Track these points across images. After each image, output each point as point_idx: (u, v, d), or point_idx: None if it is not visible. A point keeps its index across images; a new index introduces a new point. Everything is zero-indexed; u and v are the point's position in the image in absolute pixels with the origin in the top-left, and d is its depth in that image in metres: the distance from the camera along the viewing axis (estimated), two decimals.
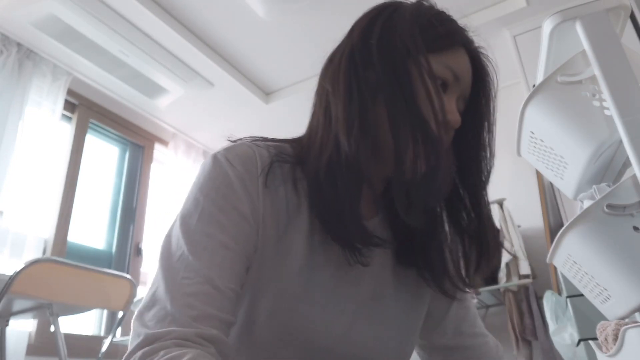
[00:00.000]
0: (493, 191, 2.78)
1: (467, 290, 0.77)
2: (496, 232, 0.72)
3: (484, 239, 0.71)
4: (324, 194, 0.63)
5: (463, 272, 0.73)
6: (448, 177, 0.64)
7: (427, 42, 0.65)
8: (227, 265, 0.57)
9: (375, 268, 0.70)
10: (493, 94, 0.75)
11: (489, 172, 0.75)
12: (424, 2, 0.71)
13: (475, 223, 0.71)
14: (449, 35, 0.68)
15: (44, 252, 2.44)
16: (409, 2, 0.71)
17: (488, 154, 0.74)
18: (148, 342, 0.50)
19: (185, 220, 0.61)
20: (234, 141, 0.70)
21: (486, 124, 0.73)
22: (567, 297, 1.51)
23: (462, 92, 0.69)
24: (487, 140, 0.74)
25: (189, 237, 0.59)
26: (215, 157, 0.65)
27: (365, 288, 0.70)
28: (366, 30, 0.69)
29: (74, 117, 2.82)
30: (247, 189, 0.62)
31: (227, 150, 0.67)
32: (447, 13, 0.73)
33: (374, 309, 0.70)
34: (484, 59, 0.74)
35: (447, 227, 0.73)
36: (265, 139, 0.73)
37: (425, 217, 0.66)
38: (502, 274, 2.28)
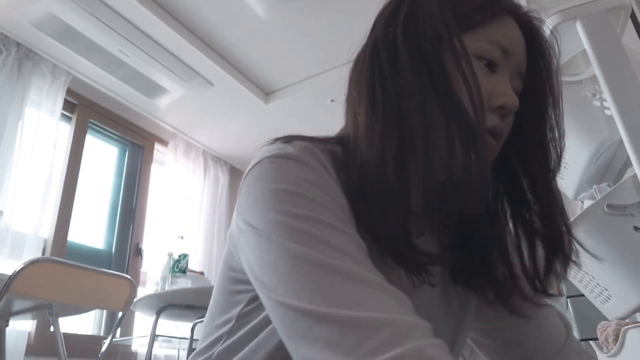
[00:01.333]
0: None
1: (547, 296, 0.63)
2: (569, 225, 0.59)
3: (559, 238, 0.59)
4: (369, 210, 0.52)
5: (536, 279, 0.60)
6: (488, 178, 0.52)
7: (462, 19, 0.55)
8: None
9: (427, 289, 0.59)
10: (555, 63, 0.61)
11: (559, 156, 0.61)
12: None
13: (548, 221, 0.59)
14: (490, 3, 0.57)
15: (44, 252, 2.44)
16: None
17: (557, 134, 0.60)
18: None
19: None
20: (284, 141, 0.56)
21: (550, 99, 0.60)
22: (567, 297, 1.51)
23: (517, 67, 0.58)
24: (553, 117, 0.60)
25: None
26: (288, 157, 0.51)
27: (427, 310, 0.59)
28: (389, 21, 0.58)
29: (74, 117, 2.82)
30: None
31: (299, 150, 0.52)
32: None
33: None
34: (538, 25, 0.61)
35: (511, 229, 0.63)
36: (312, 139, 0.58)
37: (463, 229, 0.59)
38: None
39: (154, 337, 2.16)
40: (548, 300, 0.66)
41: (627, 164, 1.02)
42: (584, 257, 0.90)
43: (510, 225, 0.62)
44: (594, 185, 0.99)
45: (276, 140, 0.56)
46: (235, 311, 0.57)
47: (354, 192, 0.52)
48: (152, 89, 2.85)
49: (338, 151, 0.57)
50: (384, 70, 0.56)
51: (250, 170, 0.53)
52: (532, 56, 0.60)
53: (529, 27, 0.60)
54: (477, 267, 0.62)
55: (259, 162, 0.52)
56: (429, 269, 0.54)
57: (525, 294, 0.61)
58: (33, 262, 1.60)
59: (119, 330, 2.11)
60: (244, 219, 0.50)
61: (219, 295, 0.61)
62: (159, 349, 2.73)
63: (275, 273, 0.44)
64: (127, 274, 2.31)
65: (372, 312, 0.39)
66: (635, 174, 0.86)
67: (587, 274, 0.95)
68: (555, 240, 0.59)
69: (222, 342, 0.58)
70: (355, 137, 0.56)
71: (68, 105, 2.74)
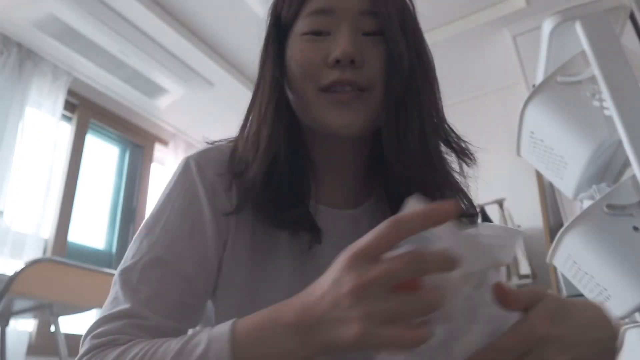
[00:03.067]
0: (493, 191, 2.78)
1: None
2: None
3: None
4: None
5: None
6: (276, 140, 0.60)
7: (302, 3, 0.61)
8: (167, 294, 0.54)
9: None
10: None
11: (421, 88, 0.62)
12: None
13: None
14: None
15: (44, 252, 2.44)
16: None
17: (407, 61, 0.60)
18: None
19: (147, 225, 0.59)
20: (211, 143, 0.68)
21: (397, 29, 0.60)
22: (567, 297, 1.51)
23: (353, 12, 0.60)
24: (404, 45, 0.60)
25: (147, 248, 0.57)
26: (186, 162, 0.62)
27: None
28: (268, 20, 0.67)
29: (74, 117, 2.82)
30: (215, 200, 0.59)
31: (199, 153, 0.64)
32: None
33: None
34: None
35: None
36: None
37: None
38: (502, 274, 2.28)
39: None
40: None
41: (627, 164, 1.02)
42: (583, 257, 0.91)
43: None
44: (594, 186, 0.99)
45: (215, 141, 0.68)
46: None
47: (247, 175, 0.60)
48: (152, 89, 2.85)
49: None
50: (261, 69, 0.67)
51: None
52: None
53: None
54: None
55: None
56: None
57: None
58: (34, 262, 1.61)
59: None
60: None
61: None
62: None
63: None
64: None
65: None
66: (634, 174, 0.87)
67: (586, 273, 0.95)
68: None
69: None
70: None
71: (69, 106, 2.74)
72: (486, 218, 2.48)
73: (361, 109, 0.59)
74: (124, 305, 0.52)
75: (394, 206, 0.60)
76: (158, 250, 0.56)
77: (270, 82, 0.63)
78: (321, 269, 0.46)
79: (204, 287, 0.58)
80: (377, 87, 0.59)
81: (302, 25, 0.61)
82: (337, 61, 0.57)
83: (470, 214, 0.67)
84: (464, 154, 0.67)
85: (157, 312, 0.53)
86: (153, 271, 0.55)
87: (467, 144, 0.68)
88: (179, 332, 0.53)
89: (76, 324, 2.50)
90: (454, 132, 0.68)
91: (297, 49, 0.61)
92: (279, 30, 0.64)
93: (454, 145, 0.67)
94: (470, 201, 0.68)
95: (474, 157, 0.68)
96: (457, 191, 0.66)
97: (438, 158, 0.64)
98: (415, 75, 0.61)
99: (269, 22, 0.66)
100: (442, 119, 0.67)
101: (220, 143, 0.68)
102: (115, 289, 0.56)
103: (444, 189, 0.64)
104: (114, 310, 0.52)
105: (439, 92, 0.68)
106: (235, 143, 0.65)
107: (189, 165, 0.62)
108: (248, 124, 0.66)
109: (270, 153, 0.59)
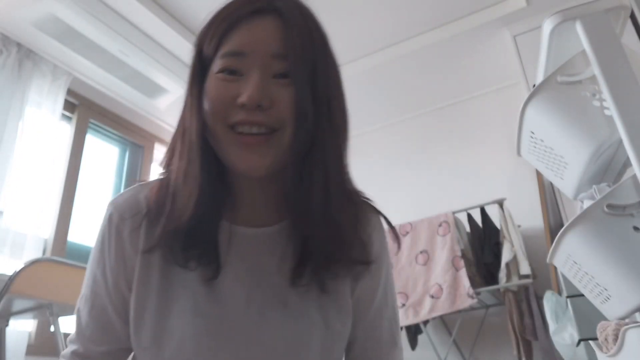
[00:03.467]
0: (493, 191, 2.79)
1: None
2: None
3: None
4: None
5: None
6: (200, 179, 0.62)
7: (219, 43, 0.64)
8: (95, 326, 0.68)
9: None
10: (302, 30, 0.63)
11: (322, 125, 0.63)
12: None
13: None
14: (222, 22, 0.66)
15: (44, 252, 2.44)
16: None
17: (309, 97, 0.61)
18: None
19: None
20: (142, 181, 0.74)
21: (306, 74, 0.61)
22: (567, 297, 1.51)
23: (266, 55, 0.61)
24: (309, 92, 0.61)
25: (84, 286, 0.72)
26: (106, 207, 0.70)
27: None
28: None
29: (74, 117, 2.82)
30: (124, 244, 0.66)
31: (116, 197, 0.71)
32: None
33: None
34: (278, 5, 0.65)
35: None
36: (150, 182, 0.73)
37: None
38: (502, 274, 2.28)
39: None
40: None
41: (627, 164, 1.02)
42: (584, 257, 0.91)
43: None
44: (594, 186, 0.99)
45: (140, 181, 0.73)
46: None
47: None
48: (152, 89, 2.85)
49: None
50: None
51: None
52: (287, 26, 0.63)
53: (272, 12, 0.64)
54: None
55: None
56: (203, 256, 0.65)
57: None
58: (33, 262, 1.60)
59: None
60: None
61: None
62: None
63: None
64: None
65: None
66: (635, 174, 0.87)
67: (587, 273, 0.95)
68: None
69: None
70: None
71: (68, 105, 2.74)
72: (486, 218, 2.48)
73: (268, 152, 0.61)
74: (73, 346, 0.70)
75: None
76: (86, 290, 0.70)
77: (194, 119, 0.65)
78: (228, 290, 0.61)
79: (124, 318, 0.67)
80: (287, 127, 0.61)
81: (218, 64, 0.63)
82: (243, 105, 0.59)
83: (363, 262, 0.68)
84: (363, 209, 0.71)
85: (93, 342, 0.68)
86: (85, 308, 0.69)
87: (368, 200, 0.72)
88: (116, 354, 0.68)
89: None
90: (353, 187, 0.70)
91: (211, 86, 0.62)
92: (201, 64, 0.66)
93: (355, 199, 0.69)
94: (364, 252, 0.68)
95: (375, 210, 0.72)
96: (351, 243, 0.66)
97: (338, 208, 0.64)
98: (322, 124, 0.62)
99: (193, 53, 0.68)
100: (345, 173, 0.68)
101: (148, 181, 0.73)
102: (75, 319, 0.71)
103: (339, 242, 0.65)
104: (68, 351, 0.69)
105: (345, 142, 0.67)
106: (159, 183, 0.69)
107: (107, 211, 0.70)
108: (173, 161, 0.67)
109: (192, 202, 0.62)
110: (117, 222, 0.67)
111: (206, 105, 0.62)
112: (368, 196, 0.73)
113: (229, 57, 0.62)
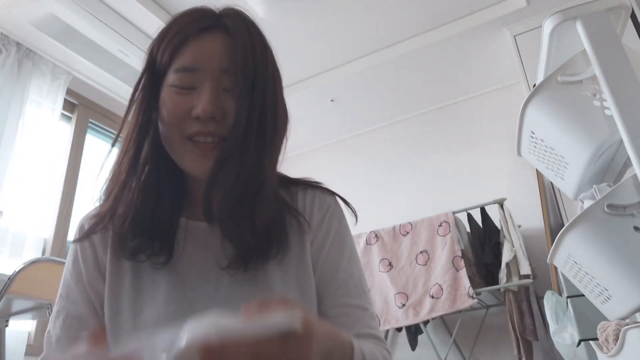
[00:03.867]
0: (493, 191, 2.78)
1: None
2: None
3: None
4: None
5: None
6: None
7: (172, 56, 0.67)
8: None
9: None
10: (247, 42, 0.68)
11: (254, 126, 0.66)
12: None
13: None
14: (175, 35, 0.68)
15: (44, 251, 2.44)
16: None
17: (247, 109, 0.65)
18: None
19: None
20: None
21: (244, 90, 0.65)
22: (568, 297, 1.51)
23: (216, 71, 0.65)
24: (246, 107, 0.65)
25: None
26: (79, 222, 0.75)
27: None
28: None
29: (74, 116, 2.82)
30: (95, 250, 0.72)
31: (87, 213, 0.76)
32: (191, 10, 0.71)
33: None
34: (228, 20, 0.69)
35: None
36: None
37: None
38: (502, 274, 2.28)
39: None
40: None
41: (627, 164, 1.02)
42: (584, 257, 0.91)
43: None
44: (594, 186, 0.99)
45: None
46: None
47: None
48: None
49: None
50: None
51: None
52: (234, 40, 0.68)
53: (220, 28, 0.68)
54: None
55: None
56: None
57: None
58: (33, 262, 1.60)
59: None
60: None
61: None
62: None
63: None
64: None
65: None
66: (635, 174, 0.86)
67: (587, 274, 0.95)
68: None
69: None
70: None
71: (68, 105, 2.74)
72: (486, 218, 2.48)
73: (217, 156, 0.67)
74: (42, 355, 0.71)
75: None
76: (60, 301, 0.72)
77: (139, 126, 0.68)
78: (195, 277, 0.67)
79: (95, 320, 0.70)
80: None
81: (172, 77, 0.67)
82: (198, 117, 0.64)
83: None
84: (318, 193, 0.77)
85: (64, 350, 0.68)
86: (58, 319, 0.71)
87: (319, 184, 0.78)
88: None
89: None
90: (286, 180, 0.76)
91: (167, 98, 0.67)
92: (153, 72, 0.70)
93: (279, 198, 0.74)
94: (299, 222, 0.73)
95: (330, 192, 0.78)
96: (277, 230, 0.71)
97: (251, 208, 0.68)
98: (249, 136, 0.65)
99: (146, 60, 0.71)
100: (271, 174, 0.71)
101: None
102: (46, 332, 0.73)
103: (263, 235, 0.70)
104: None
105: (274, 146, 0.71)
106: (108, 191, 0.72)
107: (78, 224, 0.76)
108: (119, 164, 0.70)
109: (140, 201, 0.68)
110: (88, 230, 0.72)
111: (163, 114, 0.67)
112: (318, 180, 0.79)
113: (182, 72, 0.66)
